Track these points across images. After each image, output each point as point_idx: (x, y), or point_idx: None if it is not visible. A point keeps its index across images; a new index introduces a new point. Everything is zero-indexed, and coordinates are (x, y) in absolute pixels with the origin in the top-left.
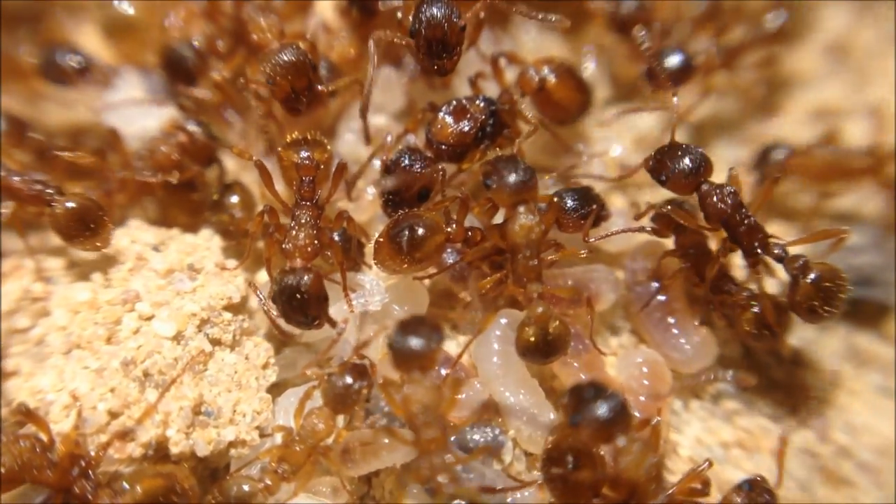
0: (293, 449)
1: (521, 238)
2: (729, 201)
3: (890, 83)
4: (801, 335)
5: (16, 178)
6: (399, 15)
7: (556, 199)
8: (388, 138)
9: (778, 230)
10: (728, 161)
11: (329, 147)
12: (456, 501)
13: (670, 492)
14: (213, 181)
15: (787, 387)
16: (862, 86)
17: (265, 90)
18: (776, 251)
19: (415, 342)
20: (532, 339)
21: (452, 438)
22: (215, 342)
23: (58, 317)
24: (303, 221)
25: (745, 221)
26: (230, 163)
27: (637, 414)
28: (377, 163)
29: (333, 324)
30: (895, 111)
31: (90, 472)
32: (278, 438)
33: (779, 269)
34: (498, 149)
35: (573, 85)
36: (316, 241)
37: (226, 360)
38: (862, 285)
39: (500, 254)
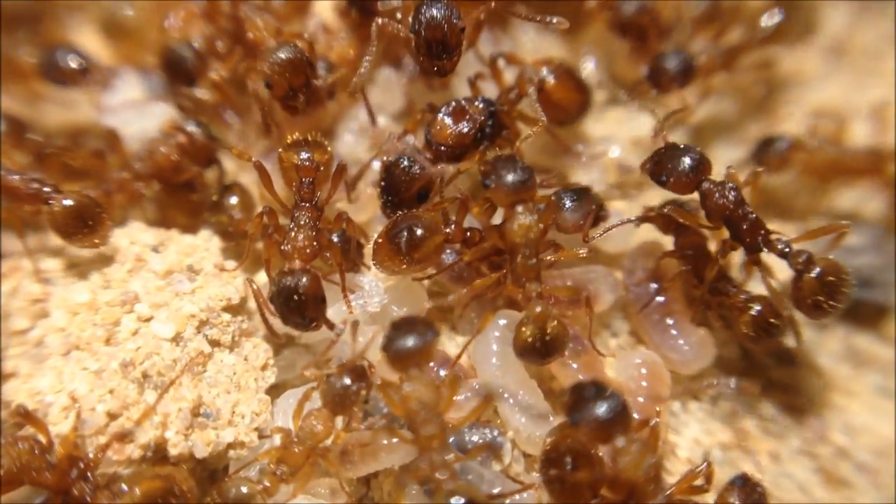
0: (292, 450)
1: (520, 237)
2: (731, 197)
3: (890, 84)
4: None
5: (13, 177)
6: (399, 16)
7: (554, 199)
8: (391, 138)
9: (777, 229)
10: (727, 162)
11: (329, 148)
12: (455, 498)
13: (669, 492)
14: (212, 182)
15: (785, 388)
16: (861, 86)
17: (263, 90)
18: (780, 246)
19: (408, 340)
20: (530, 338)
21: (451, 439)
22: (214, 343)
23: (57, 318)
24: (302, 223)
25: (748, 217)
26: (229, 164)
27: (636, 415)
28: (377, 164)
29: (331, 326)
30: (895, 112)
31: (89, 473)
32: (277, 440)
33: (777, 271)
34: (497, 149)
35: (572, 86)
36: (315, 243)
37: (225, 361)
38: (861, 286)
39: (499, 254)
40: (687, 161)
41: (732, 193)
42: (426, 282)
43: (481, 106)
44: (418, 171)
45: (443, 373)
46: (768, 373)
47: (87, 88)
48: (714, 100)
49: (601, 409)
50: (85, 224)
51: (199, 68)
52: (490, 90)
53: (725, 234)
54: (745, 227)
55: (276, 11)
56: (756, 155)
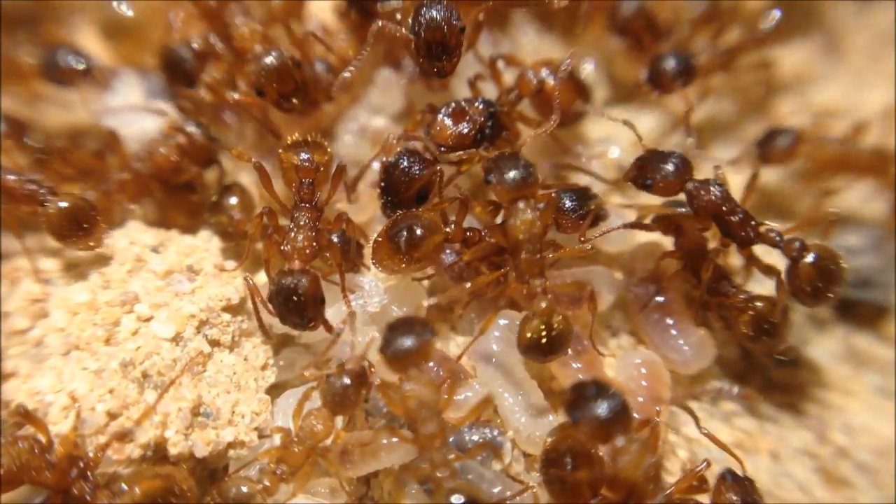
0: (292, 450)
1: (523, 233)
2: (717, 193)
3: (890, 84)
4: (799, 336)
5: (10, 177)
6: (398, 17)
7: (555, 196)
8: (391, 139)
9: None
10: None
11: (329, 149)
12: (455, 496)
13: (668, 492)
14: (211, 183)
15: (785, 388)
16: (861, 87)
17: (253, 100)
18: (772, 235)
19: (406, 341)
20: (536, 334)
21: (451, 439)
22: (214, 343)
23: (56, 318)
24: (302, 223)
25: (736, 212)
26: (229, 164)
27: (636, 415)
28: (376, 164)
29: (329, 328)
30: (895, 112)
31: (89, 473)
32: (277, 439)
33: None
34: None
35: (572, 87)
36: (314, 243)
37: (224, 361)
38: (860, 287)
39: (499, 254)
40: (669, 165)
41: (718, 190)
42: (426, 282)
43: (481, 107)
44: (418, 172)
45: (442, 372)
46: (768, 373)
47: (88, 89)
48: (712, 100)
49: (601, 408)
50: (79, 227)
51: (199, 69)
52: (490, 91)
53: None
54: (734, 221)
55: (274, 11)
56: (760, 148)
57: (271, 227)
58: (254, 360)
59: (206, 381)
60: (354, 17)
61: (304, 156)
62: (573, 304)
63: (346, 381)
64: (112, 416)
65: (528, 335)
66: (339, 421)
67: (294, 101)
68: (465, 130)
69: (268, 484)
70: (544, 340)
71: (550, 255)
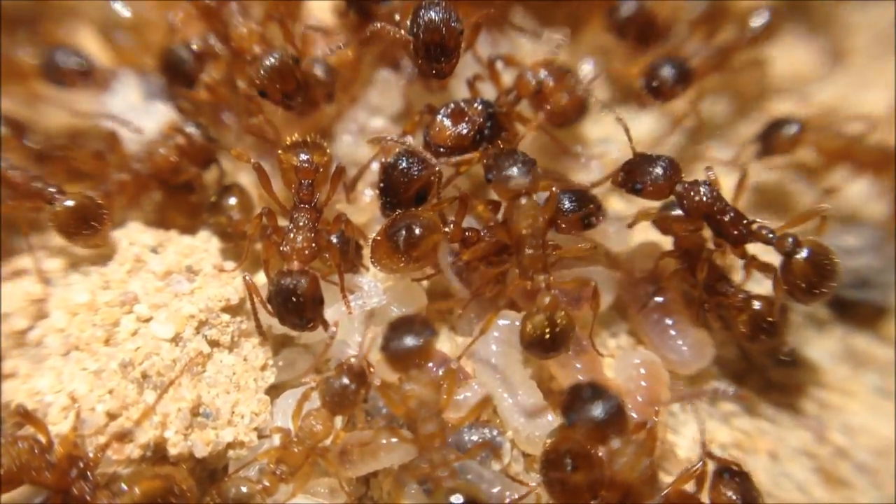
0: (291, 450)
1: (526, 228)
2: (708, 193)
3: (889, 85)
4: (798, 336)
5: (15, 173)
6: (397, 17)
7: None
8: (389, 140)
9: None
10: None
11: (328, 150)
12: (455, 496)
13: (665, 492)
14: (211, 183)
15: (784, 388)
16: (860, 88)
17: (255, 100)
18: (764, 233)
19: (408, 339)
20: (539, 329)
21: (450, 439)
22: (213, 344)
23: (56, 318)
24: (301, 224)
25: (727, 211)
26: (228, 164)
27: (634, 415)
28: (375, 165)
29: (328, 327)
30: (895, 112)
31: (89, 473)
32: (276, 440)
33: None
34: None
35: (571, 87)
36: (314, 244)
37: (224, 361)
38: (859, 287)
39: (499, 253)
40: (658, 168)
41: (707, 190)
42: (425, 282)
43: (480, 108)
44: (417, 172)
45: (441, 372)
46: (767, 373)
47: (88, 90)
48: (708, 101)
49: (597, 410)
50: (87, 225)
51: (198, 70)
52: (489, 91)
53: None
54: (726, 220)
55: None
56: (764, 139)
57: (270, 227)
58: (253, 361)
59: (206, 381)
60: (353, 17)
61: (303, 156)
62: (573, 304)
63: (345, 381)
64: (112, 416)
65: (531, 331)
66: (339, 421)
67: (297, 99)
68: (465, 131)
69: (267, 484)
70: (547, 336)
71: (553, 254)
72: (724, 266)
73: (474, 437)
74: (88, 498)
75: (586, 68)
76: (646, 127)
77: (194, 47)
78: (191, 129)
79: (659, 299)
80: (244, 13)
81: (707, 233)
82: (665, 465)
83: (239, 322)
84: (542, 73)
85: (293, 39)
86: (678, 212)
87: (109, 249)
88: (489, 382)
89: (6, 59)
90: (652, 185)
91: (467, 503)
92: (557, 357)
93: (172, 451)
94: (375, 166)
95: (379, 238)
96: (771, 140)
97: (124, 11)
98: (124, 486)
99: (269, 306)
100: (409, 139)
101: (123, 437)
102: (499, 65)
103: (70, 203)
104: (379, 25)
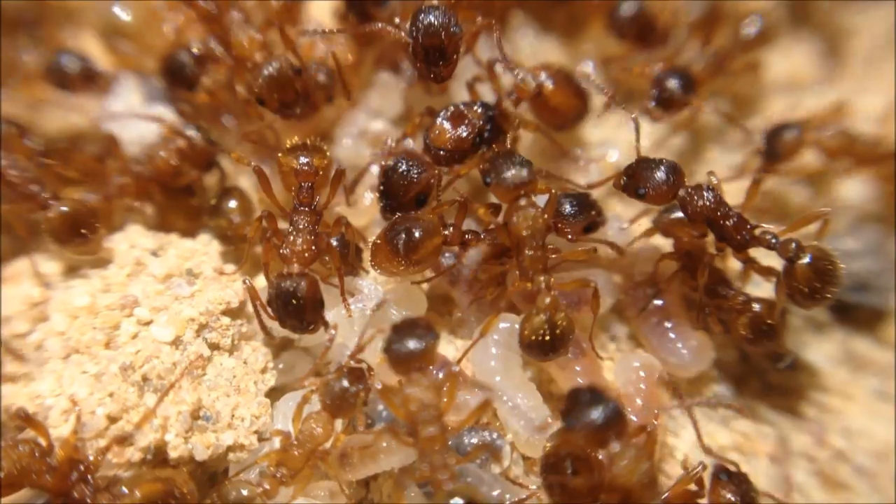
0: (291, 453)
1: (526, 228)
2: (711, 198)
3: (889, 87)
4: (798, 339)
5: (14, 172)
6: (397, 20)
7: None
8: (389, 142)
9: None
10: (723, 167)
11: (328, 153)
12: (455, 499)
13: (665, 496)
14: (211, 186)
15: (784, 391)
16: (859, 92)
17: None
18: (767, 238)
19: (410, 343)
20: (539, 330)
21: (450, 442)
22: (214, 347)
23: (56, 322)
24: (301, 227)
25: (730, 216)
26: (229, 167)
27: (634, 419)
28: (375, 168)
29: (329, 329)
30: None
31: (89, 476)
32: (277, 443)
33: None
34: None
35: (570, 90)
36: (313, 247)
37: (224, 364)
38: (859, 290)
39: (498, 256)
40: (661, 172)
41: (710, 195)
42: (425, 285)
43: (480, 111)
44: (416, 175)
45: (441, 375)
46: (767, 376)
47: (90, 93)
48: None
49: (596, 414)
50: (79, 232)
51: (199, 73)
52: (489, 94)
53: None
54: (728, 225)
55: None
56: (766, 145)
57: (270, 230)
58: (253, 364)
59: (206, 384)
60: (353, 20)
61: (303, 159)
62: (573, 306)
63: (345, 384)
64: (112, 419)
65: (530, 333)
66: (339, 424)
67: (296, 108)
68: (464, 134)
69: (267, 487)
70: (547, 338)
71: (553, 257)
72: (723, 269)
73: (474, 440)
74: (89, 501)
75: (585, 70)
76: (645, 130)
77: (195, 51)
78: (191, 133)
79: (658, 302)
80: (245, 19)
81: (707, 236)
82: (665, 468)
83: (239, 325)
84: (542, 76)
85: (293, 46)
86: (679, 214)
87: (110, 253)
88: (489, 385)
89: (10, 61)
90: (655, 190)
91: None
92: (557, 360)
93: (173, 454)
94: (375, 169)
95: (379, 241)
96: (776, 147)
97: (124, 15)
98: (125, 490)
99: (269, 309)
100: (409, 143)
101: (124, 440)
102: (498, 68)
103: (64, 209)
104: (379, 25)
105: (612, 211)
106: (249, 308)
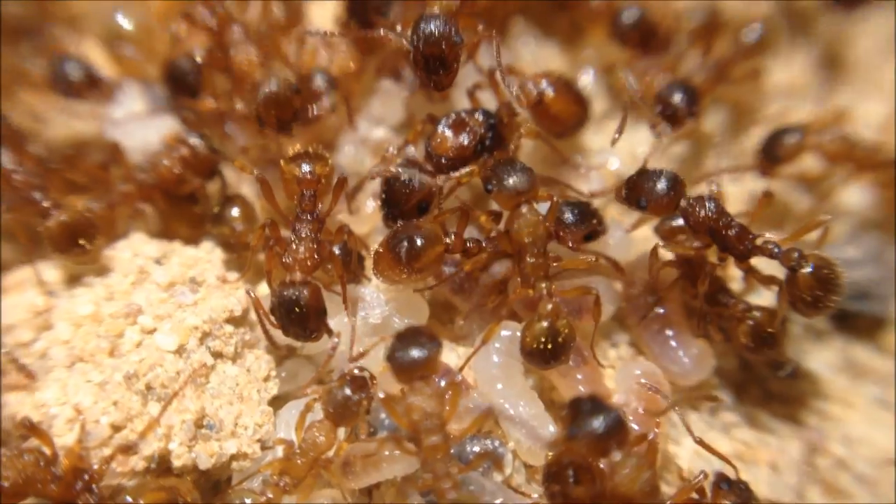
0: (294, 462)
1: (528, 236)
2: (713, 208)
3: (889, 95)
4: (798, 347)
5: (17, 177)
6: (399, 28)
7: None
8: (390, 150)
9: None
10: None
11: (331, 161)
12: None
13: None
14: (214, 194)
15: (784, 399)
16: (858, 99)
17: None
18: (770, 247)
19: (414, 351)
20: (541, 337)
21: (451, 450)
22: (217, 355)
23: (60, 330)
24: (303, 235)
25: (732, 226)
26: (231, 175)
27: (635, 427)
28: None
29: (332, 336)
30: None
31: (93, 485)
32: (280, 451)
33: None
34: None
35: (571, 98)
36: (316, 255)
37: (227, 372)
38: (859, 299)
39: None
40: (662, 184)
41: (712, 205)
42: (427, 293)
43: (481, 118)
44: (418, 184)
45: (444, 383)
46: (767, 384)
47: (93, 100)
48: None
49: (597, 423)
50: (77, 242)
51: (202, 81)
52: (490, 101)
53: None
54: (731, 235)
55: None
56: (767, 149)
57: (273, 238)
58: (256, 372)
59: (210, 392)
60: (355, 27)
61: (305, 167)
62: (574, 314)
63: (348, 392)
64: (116, 428)
65: (532, 340)
66: (342, 432)
67: (294, 126)
68: (466, 142)
69: (271, 495)
70: (549, 345)
71: (554, 265)
72: (724, 277)
73: (476, 449)
74: None
75: (586, 78)
76: (643, 136)
77: (198, 59)
78: (194, 140)
79: (659, 310)
80: (246, 35)
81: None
82: (666, 476)
83: (242, 333)
84: (543, 84)
85: (288, 61)
86: (679, 222)
87: (113, 261)
88: (491, 393)
89: (13, 69)
90: (656, 202)
91: None
92: (558, 368)
93: (176, 462)
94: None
95: (381, 249)
96: (776, 150)
97: (127, 23)
98: (129, 499)
99: (272, 317)
100: (411, 150)
101: (128, 449)
102: (499, 75)
103: (63, 219)
104: (382, 32)
105: (612, 218)
106: (252, 316)
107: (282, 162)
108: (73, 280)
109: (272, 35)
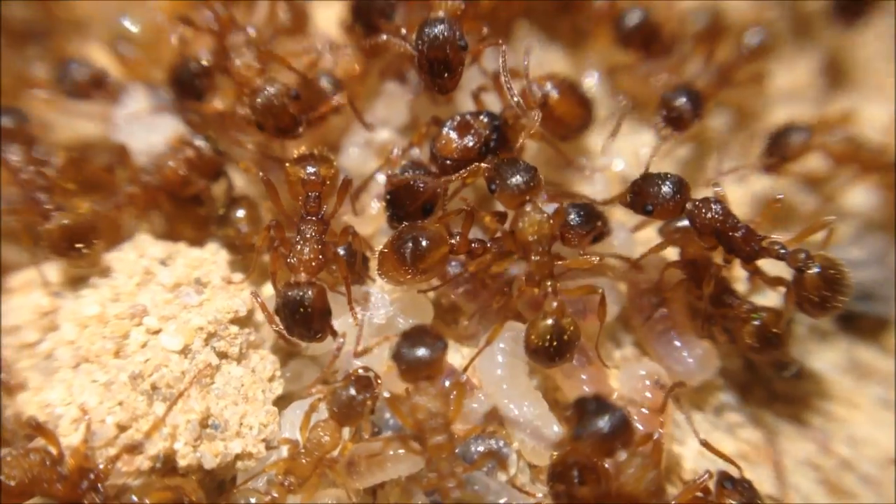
0: (299, 461)
1: (532, 234)
2: (719, 210)
3: (889, 99)
4: (802, 347)
5: (25, 175)
6: (403, 31)
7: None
8: (395, 152)
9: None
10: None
11: (335, 163)
12: None
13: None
14: (219, 195)
15: (788, 399)
16: (860, 103)
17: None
18: (776, 248)
19: (420, 351)
20: (546, 334)
21: (456, 450)
22: (222, 355)
23: (66, 331)
24: (308, 236)
25: (738, 228)
26: (237, 177)
27: (640, 427)
28: (381, 177)
29: (337, 337)
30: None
31: (99, 485)
32: (284, 451)
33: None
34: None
35: (575, 100)
36: (320, 256)
37: (232, 373)
38: (863, 299)
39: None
40: (667, 187)
41: (718, 207)
42: (431, 294)
43: (486, 120)
44: (422, 185)
45: (448, 383)
46: (772, 384)
47: (100, 102)
48: (710, 116)
49: (602, 422)
50: (75, 246)
51: (207, 83)
52: (494, 103)
53: None
54: (737, 237)
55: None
56: (772, 146)
57: (278, 239)
58: (261, 372)
59: (215, 393)
60: (359, 31)
61: (310, 169)
62: (578, 315)
63: (353, 392)
64: (122, 428)
65: (537, 338)
66: (346, 432)
67: (293, 131)
68: (471, 143)
69: (276, 495)
70: (553, 343)
71: (559, 264)
72: (728, 277)
73: (480, 448)
74: None
75: (590, 81)
76: (646, 140)
77: (203, 62)
78: (199, 142)
79: (664, 311)
80: (247, 41)
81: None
82: (671, 476)
83: (247, 334)
84: (548, 86)
85: (292, 65)
86: (684, 223)
87: (119, 262)
88: (495, 393)
89: (20, 72)
90: (662, 206)
91: None
92: (563, 368)
93: (182, 462)
94: (382, 178)
95: (386, 250)
96: (782, 147)
97: (133, 27)
98: (134, 498)
99: (276, 318)
100: (416, 152)
101: (133, 448)
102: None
103: (65, 222)
104: (385, 37)
105: (616, 219)
106: (257, 317)
107: (287, 164)
108: (79, 281)
109: (277, 38)
